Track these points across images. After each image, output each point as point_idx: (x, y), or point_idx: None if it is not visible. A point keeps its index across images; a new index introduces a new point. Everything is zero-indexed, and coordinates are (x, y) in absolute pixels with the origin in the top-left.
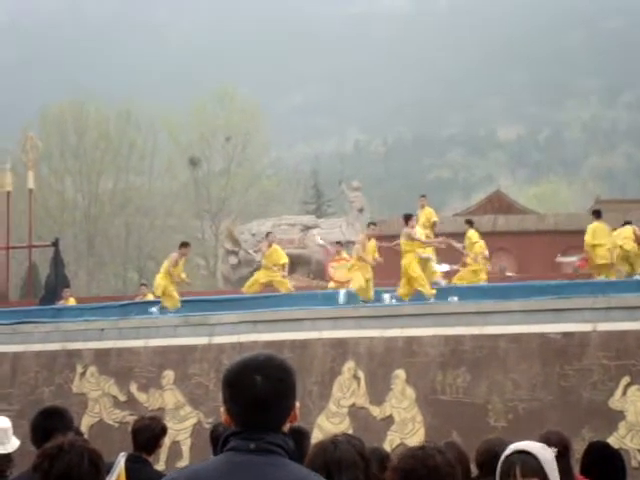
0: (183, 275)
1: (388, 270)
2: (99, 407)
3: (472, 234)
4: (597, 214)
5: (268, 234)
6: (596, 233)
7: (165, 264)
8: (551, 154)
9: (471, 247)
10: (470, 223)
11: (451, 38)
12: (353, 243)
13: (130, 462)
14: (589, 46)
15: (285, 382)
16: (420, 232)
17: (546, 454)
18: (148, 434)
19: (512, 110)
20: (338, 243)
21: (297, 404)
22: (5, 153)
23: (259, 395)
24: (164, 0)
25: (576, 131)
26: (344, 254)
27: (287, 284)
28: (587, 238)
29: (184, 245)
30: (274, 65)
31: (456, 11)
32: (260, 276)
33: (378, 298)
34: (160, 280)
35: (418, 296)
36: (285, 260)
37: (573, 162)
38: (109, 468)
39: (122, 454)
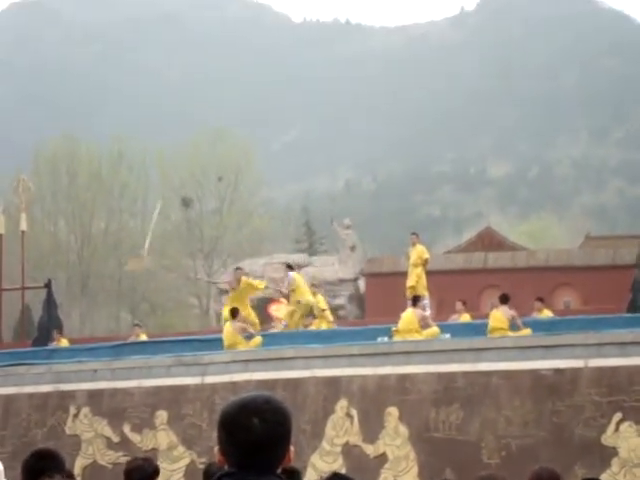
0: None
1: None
2: (92, 448)
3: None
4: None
5: (236, 269)
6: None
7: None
8: (541, 191)
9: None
10: (290, 267)
11: (442, 76)
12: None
13: None
14: (579, 84)
15: (283, 426)
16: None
17: None
18: (141, 475)
19: (502, 147)
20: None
21: (292, 447)
22: None
23: (256, 438)
24: (157, 41)
25: (566, 168)
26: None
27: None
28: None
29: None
30: (266, 104)
31: (447, 49)
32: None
33: (373, 337)
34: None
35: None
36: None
37: (563, 199)
38: None
39: None
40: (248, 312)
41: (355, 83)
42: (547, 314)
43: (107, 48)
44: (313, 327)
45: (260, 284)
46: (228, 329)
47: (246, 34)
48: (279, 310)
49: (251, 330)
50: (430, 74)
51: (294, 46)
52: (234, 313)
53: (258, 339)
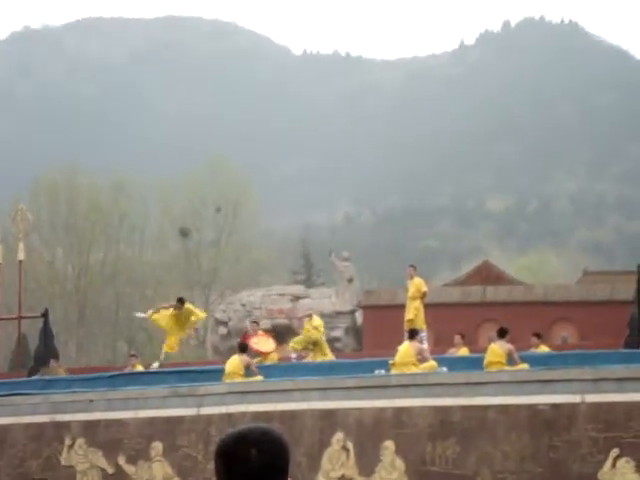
0: None
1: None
2: None
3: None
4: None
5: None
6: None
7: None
8: (540, 225)
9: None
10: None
11: (441, 110)
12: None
13: None
14: (578, 119)
15: (280, 458)
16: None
17: None
18: None
19: (501, 182)
20: (254, 322)
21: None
22: None
23: (253, 469)
24: (157, 73)
25: (564, 203)
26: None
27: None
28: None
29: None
30: (265, 136)
31: (446, 84)
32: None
33: (370, 370)
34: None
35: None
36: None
37: (561, 233)
38: None
39: None
40: (174, 340)
41: (355, 116)
42: (544, 350)
43: (109, 79)
44: (309, 359)
45: (202, 313)
46: (235, 359)
47: (246, 66)
48: (259, 343)
49: (254, 369)
50: (429, 108)
51: (294, 78)
52: (243, 348)
53: (258, 378)
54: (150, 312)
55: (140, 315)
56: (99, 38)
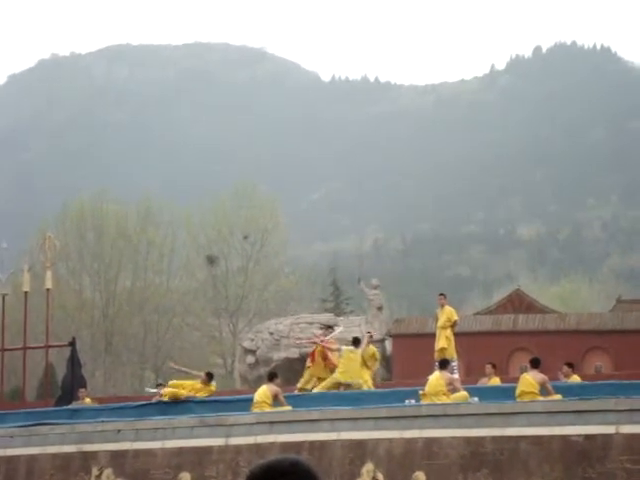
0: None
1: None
2: None
3: None
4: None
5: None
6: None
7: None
8: (571, 253)
9: None
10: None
11: (471, 136)
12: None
13: None
14: (610, 145)
15: None
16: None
17: None
18: None
19: (532, 208)
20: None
21: None
22: (24, 254)
23: None
24: (187, 100)
25: (596, 230)
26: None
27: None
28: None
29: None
30: (294, 163)
31: (476, 109)
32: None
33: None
34: None
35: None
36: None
37: (594, 261)
38: None
39: None
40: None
41: (384, 142)
42: (575, 379)
43: (136, 106)
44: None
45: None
46: (263, 389)
47: (275, 92)
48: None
49: (282, 398)
50: (459, 133)
51: (323, 104)
52: (272, 377)
53: (287, 407)
54: (173, 382)
55: (151, 390)
56: (126, 65)
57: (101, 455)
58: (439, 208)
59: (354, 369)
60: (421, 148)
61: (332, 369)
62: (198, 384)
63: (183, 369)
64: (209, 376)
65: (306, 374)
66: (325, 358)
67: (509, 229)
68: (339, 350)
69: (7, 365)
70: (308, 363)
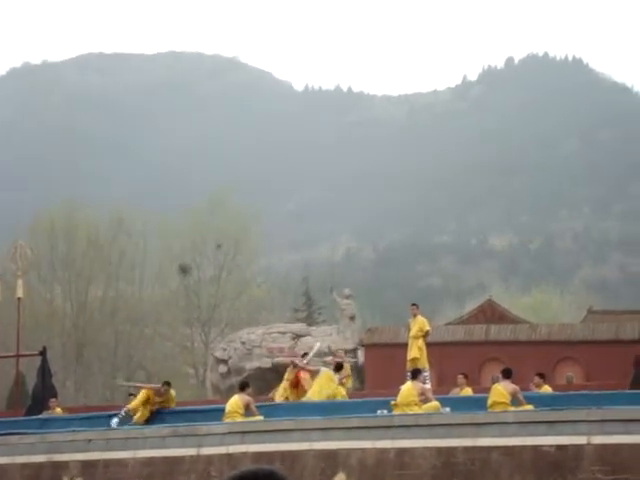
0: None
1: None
2: None
3: None
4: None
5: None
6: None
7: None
8: (543, 263)
9: None
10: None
11: (444, 146)
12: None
13: None
14: (582, 157)
15: None
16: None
17: None
18: None
19: (504, 219)
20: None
21: None
22: None
23: None
24: (158, 109)
25: (568, 241)
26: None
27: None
28: None
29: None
30: (266, 172)
31: (449, 119)
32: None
33: (372, 410)
34: None
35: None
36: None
37: (565, 272)
38: None
39: None
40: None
41: (357, 152)
42: (547, 390)
43: (108, 115)
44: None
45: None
46: (235, 399)
47: (247, 102)
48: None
49: (254, 408)
50: (431, 144)
51: (295, 114)
52: (243, 387)
53: (259, 417)
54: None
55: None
56: (99, 73)
57: (72, 465)
58: (411, 218)
59: (329, 390)
60: (394, 158)
61: (302, 395)
62: (153, 392)
63: (137, 385)
64: (167, 384)
65: (281, 389)
66: (297, 385)
67: (481, 239)
68: (318, 372)
69: None
70: (287, 382)
